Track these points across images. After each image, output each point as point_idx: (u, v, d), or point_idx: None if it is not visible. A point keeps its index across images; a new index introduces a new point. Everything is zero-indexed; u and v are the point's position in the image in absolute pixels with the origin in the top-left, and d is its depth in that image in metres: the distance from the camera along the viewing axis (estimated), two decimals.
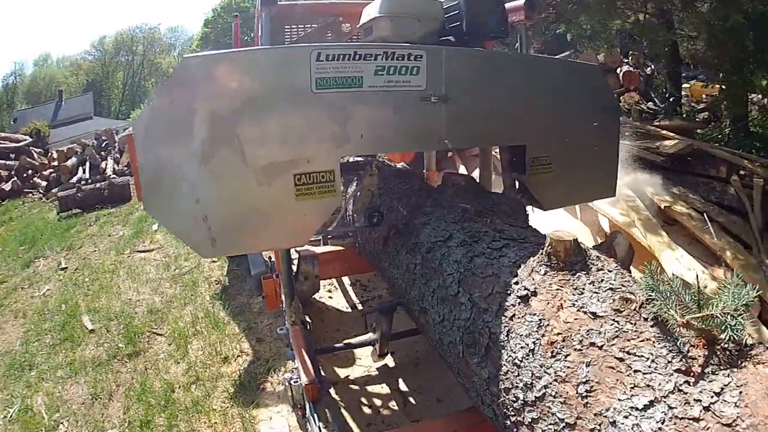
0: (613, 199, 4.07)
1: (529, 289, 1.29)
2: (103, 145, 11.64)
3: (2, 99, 39.84)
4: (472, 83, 2.07)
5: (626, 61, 7.94)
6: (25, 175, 11.12)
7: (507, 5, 2.89)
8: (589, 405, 1.00)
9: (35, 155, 12.03)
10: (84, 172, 10.24)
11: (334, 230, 3.33)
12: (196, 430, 2.83)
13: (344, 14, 2.94)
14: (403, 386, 2.98)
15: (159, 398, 3.13)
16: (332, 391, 2.85)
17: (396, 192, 2.79)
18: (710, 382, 0.95)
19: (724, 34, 4.65)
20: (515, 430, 1.18)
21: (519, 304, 1.29)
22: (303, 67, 1.78)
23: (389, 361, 3.14)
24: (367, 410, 2.84)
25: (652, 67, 8.16)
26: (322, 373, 3.01)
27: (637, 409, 0.96)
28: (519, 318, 1.27)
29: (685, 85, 7.75)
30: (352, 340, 3.25)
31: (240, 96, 1.76)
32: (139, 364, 3.56)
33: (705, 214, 3.73)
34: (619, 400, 0.98)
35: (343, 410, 2.79)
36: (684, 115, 6.61)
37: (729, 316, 0.95)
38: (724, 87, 5.40)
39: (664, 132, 5.06)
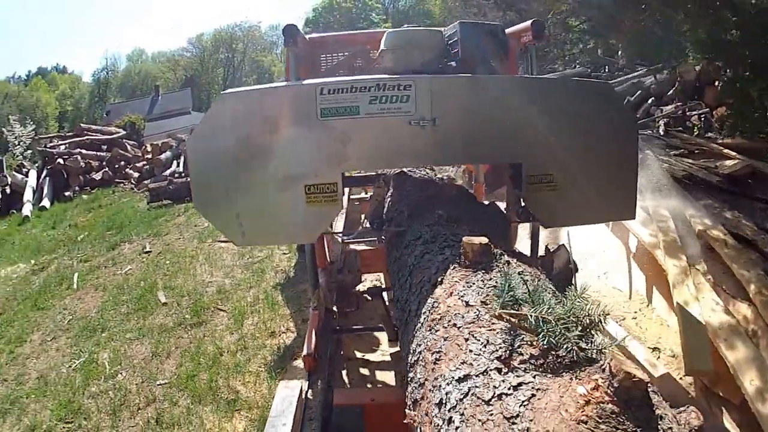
0: (646, 218, 4.14)
1: (438, 280, 1.69)
2: None
3: (94, 92, 44.12)
4: (460, 106, 2.39)
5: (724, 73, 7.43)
6: (117, 166, 11.93)
7: (510, 29, 3.17)
8: (434, 370, 1.33)
9: (128, 147, 12.93)
10: (177, 165, 10.66)
11: (362, 232, 3.85)
12: (231, 386, 3.53)
13: (371, 43, 3.41)
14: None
15: (208, 359, 3.88)
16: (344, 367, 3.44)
17: (410, 199, 3.21)
18: (517, 376, 1.08)
19: None
20: (407, 388, 1.55)
21: (429, 289, 1.69)
22: (311, 100, 2.30)
23: None
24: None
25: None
26: (341, 352, 3.61)
27: (455, 379, 1.20)
28: (424, 300, 1.68)
29: None
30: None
31: (263, 123, 2.32)
32: (199, 333, 4.33)
33: (757, 242, 3.58)
34: (450, 370, 1.25)
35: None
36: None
37: (542, 321, 1.11)
38: None
39: (726, 151, 4.84)
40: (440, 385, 1.25)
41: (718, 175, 4.47)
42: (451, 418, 1.14)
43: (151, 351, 4.13)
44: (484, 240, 1.65)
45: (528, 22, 3.09)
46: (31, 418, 3.53)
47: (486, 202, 2.86)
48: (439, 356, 1.35)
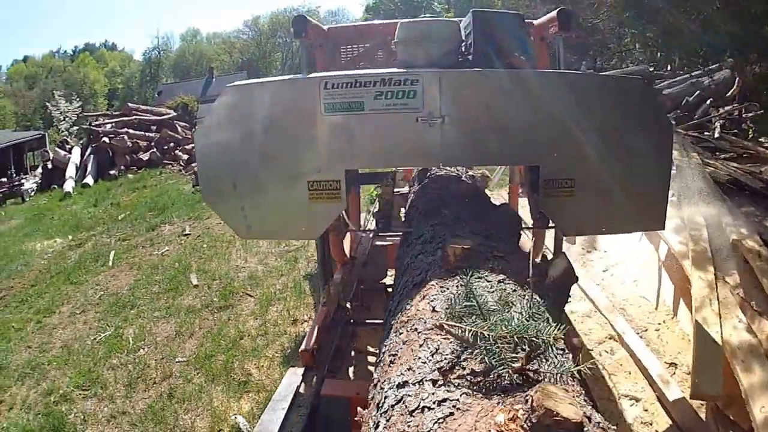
0: (679, 225, 3.90)
1: (420, 281, 1.69)
2: None
3: (145, 71, 45.34)
4: (472, 103, 2.31)
5: None
6: (165, 147, 12.10)
7: (537, 21, 3.00)
8: (386, 372, 1.34)
9: (179, 129, 13.10)
10: None
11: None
12: (245, 369, 3.69)
13: (391, 34, 3.32)
14: None
15: (228, 342, 4.05)
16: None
17: (428, 197, 3.16)
18: (447, 391, 1.07)
19: None
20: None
21: (410, 291, 1.70)
22: (314, 95, 2.29)
23: None
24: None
25: None
26: (352, 345, 3.65)
27: (396, 384, 1.22)
28: (404, 300, 1.68)
29: None
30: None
31: (268, 117, 2.33)
32: (224, 316, 4.52)
33: None
34: (396, 374, 1.27)
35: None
36: None
37: (480, 336, 1.10)
38: None
39: None
40: (384, 388, 1.26)
41: (762, 180, 4.18)
42: (378, 422, 1.16)
43: (175, 330, 4.35)
44: (468, 244, 1.62)
45: (554, 12, 2.93)
46: (49, 384, 3.83)
47: (498, 203, 2.78)
48: (394, 359, 1.37)
